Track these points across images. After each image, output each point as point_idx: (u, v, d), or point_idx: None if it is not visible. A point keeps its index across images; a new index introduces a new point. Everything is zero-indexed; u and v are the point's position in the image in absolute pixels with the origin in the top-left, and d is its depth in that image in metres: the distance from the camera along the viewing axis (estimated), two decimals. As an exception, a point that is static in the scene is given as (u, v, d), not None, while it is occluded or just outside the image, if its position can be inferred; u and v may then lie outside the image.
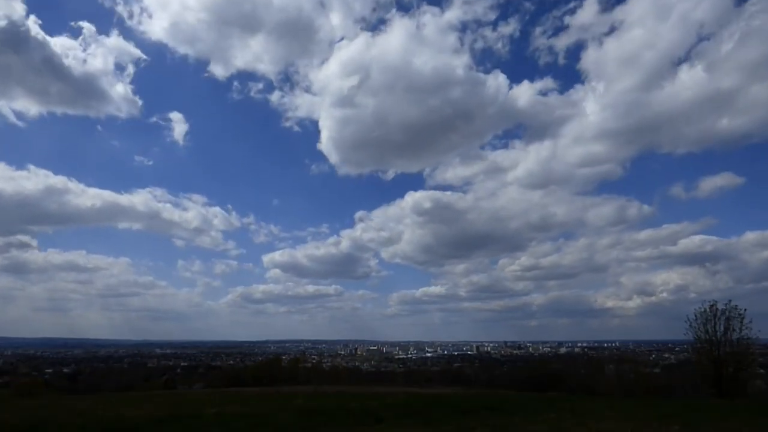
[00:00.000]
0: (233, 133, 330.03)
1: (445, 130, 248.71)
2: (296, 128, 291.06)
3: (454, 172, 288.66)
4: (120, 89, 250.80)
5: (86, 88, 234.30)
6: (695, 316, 27.81)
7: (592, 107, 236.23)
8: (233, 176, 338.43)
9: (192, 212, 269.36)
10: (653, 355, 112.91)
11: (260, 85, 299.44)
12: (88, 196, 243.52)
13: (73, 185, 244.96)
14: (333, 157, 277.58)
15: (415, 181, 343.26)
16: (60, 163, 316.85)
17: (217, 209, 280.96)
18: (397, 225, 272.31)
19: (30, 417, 12.50)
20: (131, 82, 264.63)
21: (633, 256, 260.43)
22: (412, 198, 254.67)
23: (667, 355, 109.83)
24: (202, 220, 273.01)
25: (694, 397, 27.10)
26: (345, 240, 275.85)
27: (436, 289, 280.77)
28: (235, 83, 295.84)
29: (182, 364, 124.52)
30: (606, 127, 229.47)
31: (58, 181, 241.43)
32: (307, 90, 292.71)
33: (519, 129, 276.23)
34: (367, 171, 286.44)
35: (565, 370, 55.94)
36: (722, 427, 10.50)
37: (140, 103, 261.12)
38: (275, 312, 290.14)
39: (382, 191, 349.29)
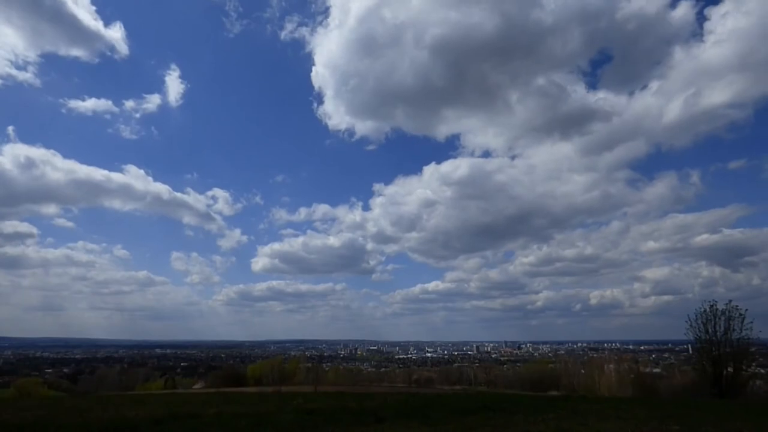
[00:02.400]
0: (230, 86, 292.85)
1: (502, 60, 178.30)
2: (307, 76, 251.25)
3: (503, 130, 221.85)
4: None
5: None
6: (696, 316, 27.94)
7: (720, 32, 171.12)
8: (230, 148, 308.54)
9: (190, 196, 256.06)
10: (653, 355, 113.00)
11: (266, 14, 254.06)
12: (64, 172, 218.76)
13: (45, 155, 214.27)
14: (345, 108, 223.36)
15: (447, 146, 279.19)
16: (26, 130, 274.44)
17: (216, 191, 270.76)
18: (417, 206, 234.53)
19: (30, 417, 12.49)
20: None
21: (660, 248, 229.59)
22: (438, 171, 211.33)
23: (666, 355, 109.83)
24: (202, 204, 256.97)
25: (694, 397, 27.07)
26: (351, 229, 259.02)
27: (441, 286, 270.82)
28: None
29: (182, 364, 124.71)
30: (732, 62, 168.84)
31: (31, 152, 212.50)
32: (323, 22, 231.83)
33: (607, 63, 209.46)
34: (388, 129, 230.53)
35: (565, 370, 55.94)
36: (722, 427, 10.49)
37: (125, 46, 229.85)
38: (275, 311, 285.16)
39: (405, 159, 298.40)
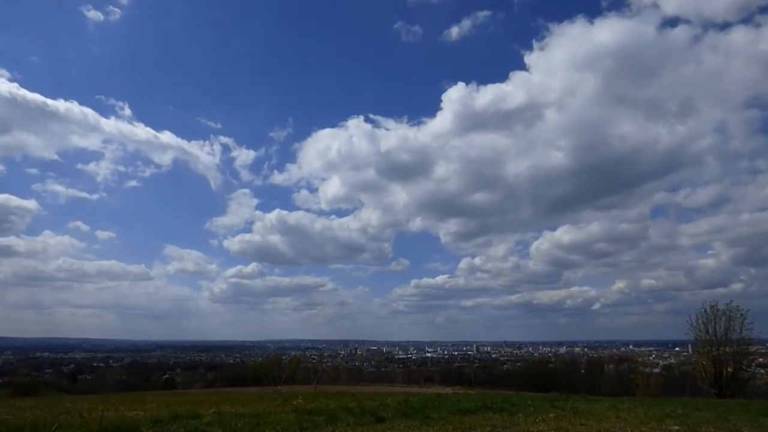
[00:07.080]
0: None
1: None
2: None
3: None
4: None
5: None
6: (696, 316, 28.09)
7: None
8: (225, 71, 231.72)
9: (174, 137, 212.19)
10: (653, 356, 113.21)
11: None
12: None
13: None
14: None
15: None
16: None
17: (210, 144, 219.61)
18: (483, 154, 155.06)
19: (30, 417, 12.49)
20: None
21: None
22: (553, 56, 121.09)
23: (666, 355, 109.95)
24: (192, 168, 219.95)
25: (694, 397, 27.10)
26: (374, 211, 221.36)
27: (447, 281, 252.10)
28: None
29: (182, 364, 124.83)
30: None
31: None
32: None
33: None
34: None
35: (565, 370, 56.07)
36: (722, 427, 10.50)
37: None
38: (276, 310, 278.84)
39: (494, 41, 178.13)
